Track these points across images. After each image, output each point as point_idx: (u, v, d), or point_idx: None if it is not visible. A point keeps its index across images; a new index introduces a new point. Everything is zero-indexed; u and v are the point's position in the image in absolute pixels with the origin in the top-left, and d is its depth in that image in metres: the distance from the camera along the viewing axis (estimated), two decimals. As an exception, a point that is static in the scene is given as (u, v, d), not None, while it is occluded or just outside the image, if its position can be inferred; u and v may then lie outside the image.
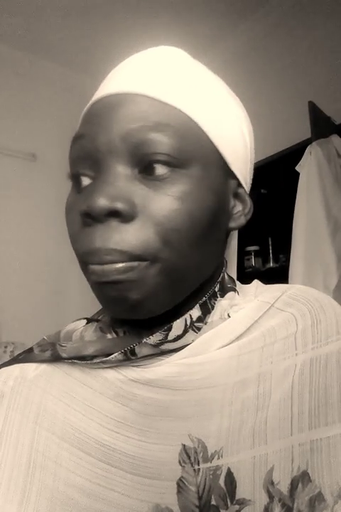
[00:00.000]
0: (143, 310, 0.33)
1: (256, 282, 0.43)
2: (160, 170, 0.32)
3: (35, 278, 2.38)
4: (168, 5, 2.13)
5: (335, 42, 1.92)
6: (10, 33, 2.31)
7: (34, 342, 0.41)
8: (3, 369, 0.40)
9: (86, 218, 0.32)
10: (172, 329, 0.36)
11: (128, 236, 0.31)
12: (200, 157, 0.34)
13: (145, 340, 0.35)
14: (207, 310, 0.37)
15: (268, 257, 2.05)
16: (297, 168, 1.58)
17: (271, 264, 2.03)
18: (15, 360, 0.40)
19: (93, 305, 0.47)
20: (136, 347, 0.35)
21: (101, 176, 0.33)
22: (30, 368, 0.39)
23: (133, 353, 0.35)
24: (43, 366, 0.39)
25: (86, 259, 0.33)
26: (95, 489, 0.32)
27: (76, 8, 2.15)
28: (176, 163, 0.32)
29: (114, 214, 0.31)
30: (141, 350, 0.35)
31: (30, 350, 0.40)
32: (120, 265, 0.31)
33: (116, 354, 0.35)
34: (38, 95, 2.55)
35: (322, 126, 1.62)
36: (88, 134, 0.34)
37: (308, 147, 1.57)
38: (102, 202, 0.31)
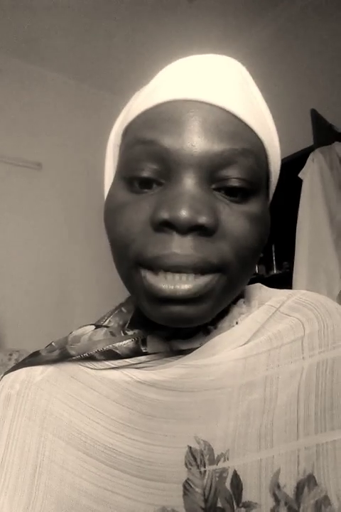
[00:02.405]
0: (201, 320, 0.33)
1: (259, 285, 0.44)
2: (239, 192, 0.33)
3: (40, 286, 2.39)
4: (172, 13, 2.16)
5: (338, 50, 1.93)
6: (16, 45, 2.34)
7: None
8: (9, 373, 0.40)
9: (163, 226, 0.31)
10: None
11: (208, 248, 0.31)
12: (264, 181, 0.36)
13: (156, 331, 0.36)
14: (220, 314, 0.37)
15: (272, 264, 2.05)
16: (300, 175, 1.59)
17: (275, 271, 2.03)
18: (22, 364, 0.41)
19: (98, 313, 0.47)
20: (147, 336, 0.36)
21: (174, 185, 0.32)
22: (37, 372, 0.39)
23: (144, 342, 0.36)
24: (49, 370, 0.39)
25: (158, 263, 0.31)
26: (101, 493, 0.32)
27: (82, 18, 2.18)
28: (252, 186, 0.34)
29: (197, 228, 0.31)
30: (152, 341, 0.36)
31: (37, 353, 0.41)
32: (192, 281, 0.31)
33: (127, 341, 0.36)
34: (44, 106, 2.57)
35: (324, 133, 1.64)
36: (159, 141, 0.32)
37: (311, 154, 1.58)
38: (188, 214, 0.30)
